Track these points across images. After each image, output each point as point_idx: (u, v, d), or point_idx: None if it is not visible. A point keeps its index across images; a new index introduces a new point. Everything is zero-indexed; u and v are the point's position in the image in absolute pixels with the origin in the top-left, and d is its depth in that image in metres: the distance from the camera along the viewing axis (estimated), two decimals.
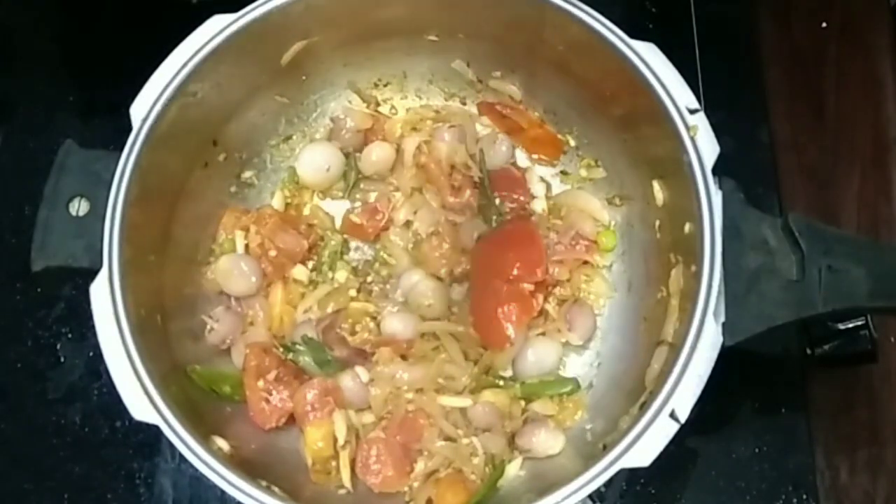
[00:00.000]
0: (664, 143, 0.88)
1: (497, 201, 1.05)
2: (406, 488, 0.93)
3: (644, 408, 0.80)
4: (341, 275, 1.03)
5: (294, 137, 1.09)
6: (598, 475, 0.78)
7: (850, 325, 0.98)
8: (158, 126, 0.88)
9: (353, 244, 1.06)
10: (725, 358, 0.79)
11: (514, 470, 0.94)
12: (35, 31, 1.26)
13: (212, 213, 1.02)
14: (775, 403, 1.04)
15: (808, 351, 1.02)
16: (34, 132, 1.17)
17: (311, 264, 1.03)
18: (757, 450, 1.02)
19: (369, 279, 1.04)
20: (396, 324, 0.97)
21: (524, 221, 1.04)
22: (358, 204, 1.08)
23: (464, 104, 1.11)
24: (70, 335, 1.08)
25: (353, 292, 1.02)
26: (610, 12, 0.90)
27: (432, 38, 1.03)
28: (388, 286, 1.03)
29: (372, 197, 1.07)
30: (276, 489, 0.82)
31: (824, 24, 1.21)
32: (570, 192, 1.07)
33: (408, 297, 0.99)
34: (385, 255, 1.04)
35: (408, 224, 1.05)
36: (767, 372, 1.05)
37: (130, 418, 0.80)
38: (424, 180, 1.05)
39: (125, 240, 0.85)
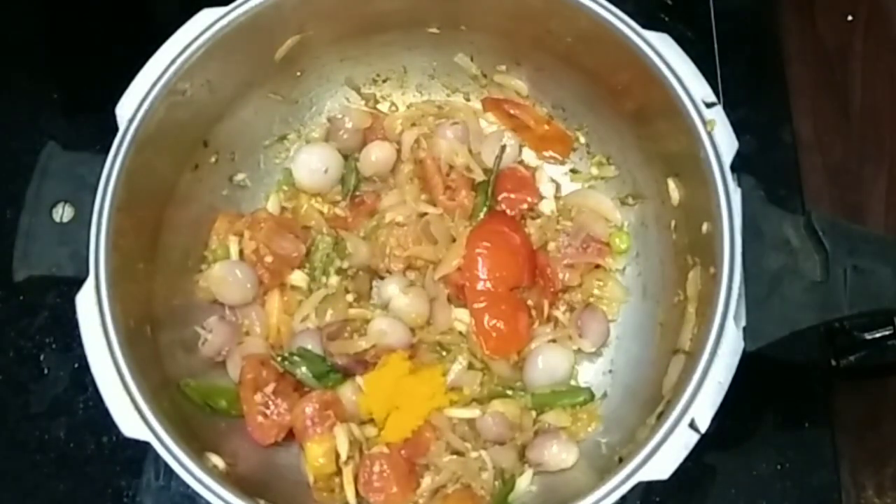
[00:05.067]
0: (679, 139, 0.88)
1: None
2: None
3: (662, 418, 0.80)
4: (334, 279, 1.03)
5: (289, 137, 1.10)
6: (613, 489, 0.78)
7: (877, 335, 0.99)
8: (146, 126, 0.89)
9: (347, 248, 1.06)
10: (746, 370, 0.80)
11: (524, 484, 0.94)
12: (16, 25, 1.26)
13: (203, 217, 1.03)
14: (798, 418, 1.05)
15: (833, 362, 1.03)
16: (15, 132, 1.18)
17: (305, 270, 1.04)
18: (779, 466, 1.02)
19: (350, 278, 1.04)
20: (384, 327, 0.97)
21: (508, 220, 1.04)
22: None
23: (467, 100, 1.11)
24: (54, 345, 1.09)
25: (350, 298, 1.02)
26: (622, 2, 0.90)
27: (433, 30, 1.04)
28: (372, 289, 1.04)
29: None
30: None
31: (850, 18, 1.22)
32: (581, 191, 1.08)
33: (389, 306, 1.00)
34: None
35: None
36: (790, 385, 1.05)
37: (117, 433, 0.80)
38: (419, 175, 1.06)
39: (112, 247, 0.85)
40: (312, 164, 1.05)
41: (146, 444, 0.80)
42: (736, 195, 0.83)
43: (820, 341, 1.04)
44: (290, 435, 0.95)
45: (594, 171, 1.07)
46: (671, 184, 0.95)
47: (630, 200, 1.04)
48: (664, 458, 0.78)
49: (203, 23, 0.91)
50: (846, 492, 1.02)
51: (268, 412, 0.94)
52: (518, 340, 0.99)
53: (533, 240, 1.03)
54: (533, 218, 1.06)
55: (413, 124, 1.08)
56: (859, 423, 1.05)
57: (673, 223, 0.96)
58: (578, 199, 1.07)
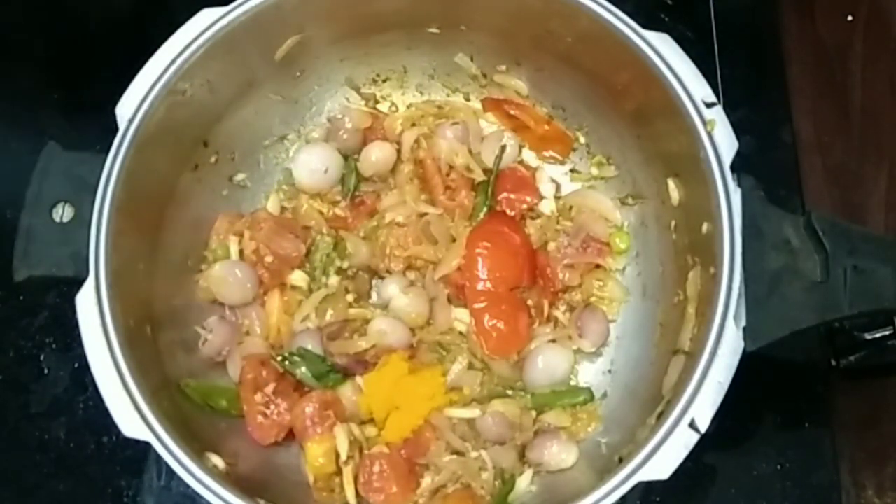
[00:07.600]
0: (679, 139, 0.88)
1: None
2: None
3: (662, 418, 0.80)
4: (334, 279, 1.03)
5: (289, 137, 1.10)
6: (613, 489, 0.78)
7: (877, 335, 0.99)
8: (146, 126, 0.89)
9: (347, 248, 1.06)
10: (746, 370, 0.80)
11: (524, 484, 0.94)
12: (17, 25, 1.26)
13: (203, 217, 1.03)
14: (798, 417, 1.05)
15: (833, 362, 1.03)
16: (15, 132, 1.18)
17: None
18: (779, 466, 1.02)
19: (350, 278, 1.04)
20: (384, 327, 0.97)
21: (508, 220, 1.04)
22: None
23: (467, 100, 1.11)
24: (54, 345, 1.09)
25: (350, 298, 1.02)
26: (622, 2, 0.90)
27: (433, 30, 1.04)
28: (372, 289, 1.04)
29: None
30: None
31: (850, 18, 1.22)
32: (581, 191, 1.08)
33: (389, 306, 1.00)
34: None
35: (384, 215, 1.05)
36: (790, 385, 1.05)
37: (118, 433, 0.80)
38: (419, 175, 1.06)
39: (112, 247, 0.85)
40: (312, 164, 1.05)
41: (146, 444, 0.80)
42: (736, 195, 0.83)
43: (820, 341, 1.04)
44: (290, 435, 0.95)
45: (594, 171, 1.07)
46: (671, 184, 0.95)
47: (630, 200, 1.04)
48: (664, 458, 0.78)
49: (203, 23, 0.91)
50: (846, 491, 1.02)
51: (268, 412, 0.94)
52: (518, 340, 0.99)
53: (533, 240, 1.03)
54: (533, 218, 1.06)
55: (413, 124, 1.08)
56: (859, 423, 1.05)
57: (673, 223, 0.97)
58: (578, 199, 1.07)
